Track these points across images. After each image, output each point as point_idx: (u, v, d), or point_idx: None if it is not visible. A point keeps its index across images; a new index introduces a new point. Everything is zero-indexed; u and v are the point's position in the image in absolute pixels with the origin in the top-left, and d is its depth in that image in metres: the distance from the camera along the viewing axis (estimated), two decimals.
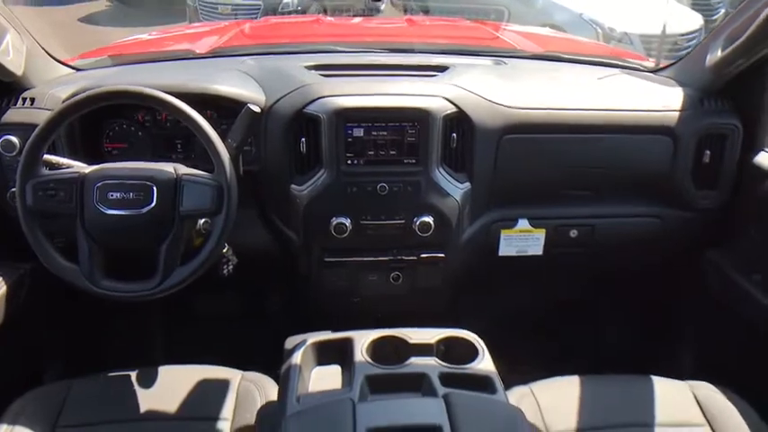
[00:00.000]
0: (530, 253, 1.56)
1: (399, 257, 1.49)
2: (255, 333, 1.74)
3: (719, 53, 1.43)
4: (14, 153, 1.34)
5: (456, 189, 1.43)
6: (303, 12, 4.35)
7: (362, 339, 1.14)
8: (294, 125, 1.39)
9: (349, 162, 1.39)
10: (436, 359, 1.10)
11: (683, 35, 4.59)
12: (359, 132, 1.38)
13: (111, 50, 2.03)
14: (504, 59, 1.74)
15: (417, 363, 1.09)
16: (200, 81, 1.41)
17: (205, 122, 1.21)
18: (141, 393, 1.25)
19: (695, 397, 1.24)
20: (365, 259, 1.49)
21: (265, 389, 1.26)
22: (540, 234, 1.54)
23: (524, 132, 1.45)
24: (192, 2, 5.43)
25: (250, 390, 1.25)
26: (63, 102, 1.30)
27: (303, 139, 1.39)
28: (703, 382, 1.29)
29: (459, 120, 1.41)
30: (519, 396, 1.23)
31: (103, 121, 1.43)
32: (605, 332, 2.01)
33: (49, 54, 1.54)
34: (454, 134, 1.41)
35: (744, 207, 1.51)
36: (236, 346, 1.66)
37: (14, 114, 1.38)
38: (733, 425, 1.18)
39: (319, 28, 2.48)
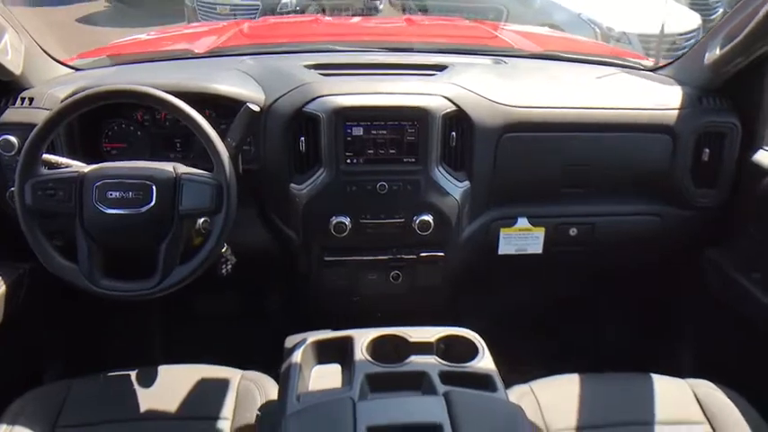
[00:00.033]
0: (529, 251, 1.55)
1: (399, 256, 1.49)
2: (255, 332, 1.73)
3: (718, 51, 1.43)
4: (13, 153, 1.34)
5: (455, 188, 1.43)
6: (302, 12, 4.36)
7: (362, 338, 1.14)
8: (293, 124, 1.39)
9: (348, 161, 1.39)
10: (436, 358, 1.10)
11: (681, 34, 4.59)
12: (358, 131, 1.38)
13: (110, 50, 2.03)
14: (504, 59, 1.74)
15: (417, 361, 1.09)
16: (199, 80, 1.41)
17: (204, 121, 1.21)
18: (141, 393, 1.25)
19: (695, 395, 1.25)
20: (365, 258, 1.49)
21: (265, 388, 1.26)
22: (540, 232, 1.54)
23: (524, 131, 1.45)
24: (191, 2, 5.44)
25: (250, 389, 1.25)
26: (62, 101, 1.30)
27: (302, 138, 1.39)
28: (703, 380, 1.29)
29: (459, 118, 1.41)
30: (519, 394, 1.23)
31: (102, 121, 1.43)
32: (605, 330, 2.01)
33: (47, 54, 1.54)
34: (453, 133, 1.41)
35: (743, 205, 1.51)
36: (235, 345, 1.65)
37: (13, 114, 1.38)
38: (732, 422, 1.18)
39: (318, 28, 2.48)
